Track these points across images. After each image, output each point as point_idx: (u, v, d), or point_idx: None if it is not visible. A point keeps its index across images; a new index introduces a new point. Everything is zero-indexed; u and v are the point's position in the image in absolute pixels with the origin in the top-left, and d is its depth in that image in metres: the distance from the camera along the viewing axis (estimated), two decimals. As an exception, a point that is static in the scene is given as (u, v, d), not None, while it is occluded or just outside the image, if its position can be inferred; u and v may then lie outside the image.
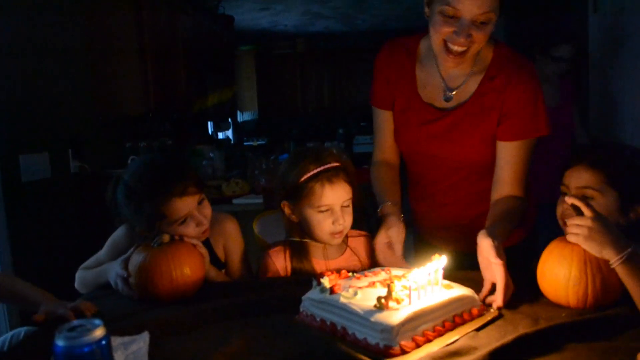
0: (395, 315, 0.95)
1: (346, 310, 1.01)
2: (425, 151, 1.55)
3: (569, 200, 1.17)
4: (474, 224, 1.35)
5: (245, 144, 6.98)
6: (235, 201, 3.12)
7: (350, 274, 1.18)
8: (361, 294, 1.04)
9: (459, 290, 1.08)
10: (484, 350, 0.92)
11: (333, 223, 1.42)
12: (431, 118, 1.50)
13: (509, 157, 1.43)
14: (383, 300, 0.97)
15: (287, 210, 1.48)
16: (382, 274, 1.17)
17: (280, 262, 1.49)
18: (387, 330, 0.93)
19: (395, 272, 1.17)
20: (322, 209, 1.41)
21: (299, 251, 1.49)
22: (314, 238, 1.47)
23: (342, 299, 1.03)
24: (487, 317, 1.08)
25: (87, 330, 0.78)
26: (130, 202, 1.38)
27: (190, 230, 1.42)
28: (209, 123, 5.84)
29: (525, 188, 1.46)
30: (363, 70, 6.85)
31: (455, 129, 1.48)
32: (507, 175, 1.43)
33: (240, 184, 3.24)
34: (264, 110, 7.33)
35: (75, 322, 0.81)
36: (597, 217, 1.11)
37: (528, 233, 1.61)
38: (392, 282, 1.01)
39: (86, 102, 3.19)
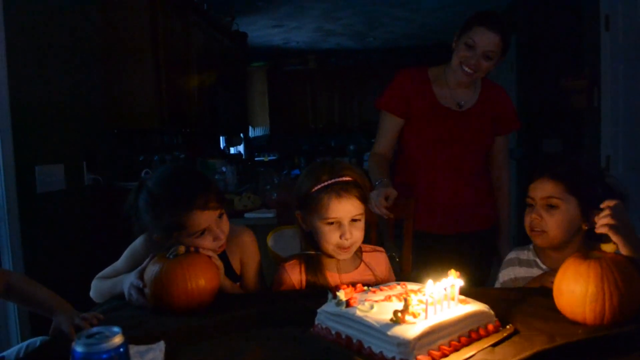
0: (412, 329, 0.95)
1: (362, 323, 1.00)
2: (445, 137, 2.02)
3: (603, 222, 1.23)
4: (461, 207, 2.03)
5: (256, 159, 7.02)
6: (247, 215, 3.13)
7: (365, 287, 1.18)
8: (377, 307, 1.04)
9: (475, 306, 1.08)
10: (501, 366, 0.91)
11: (340, 237, 1.42)
12: (451, 115, 2.05)
13: (502, 146, 2.15)
14: (400, 314, 0.97)
15: (299, 220, 1.50)
16: (397, 288, 1.17)
17: (295, 276, 1.50)
18: (404, 344, 0.93)
19: (411, 286, 1.17)
20: (330, 221, 1.42)
21: (314, 264, 1.50)
22: (322, 250, 1.48)
23: (358, 312, 1.03)
24: (503, 333, 1.07)
25: (105, 337, 0.78)
26: (151, 209, 1.39)
27: (207, 243, 1.43)
28: (220, 138, 5.89)
29: None
30: (374, 87, 6.90)
31: (468, 120, 2.04)
32: (501, 159, 2.16)
33: (252, 199, 3.25)
34: (275, 126, 7.38)
35: (95, 329, 0.82)
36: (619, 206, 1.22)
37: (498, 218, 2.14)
38: (408, 296, 1.01)
39: (100, 114, 3.24)
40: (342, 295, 1.09)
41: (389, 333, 0.95)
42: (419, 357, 0.93)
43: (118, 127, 3.33)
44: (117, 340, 0.79)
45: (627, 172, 3.06)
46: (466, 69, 1.93)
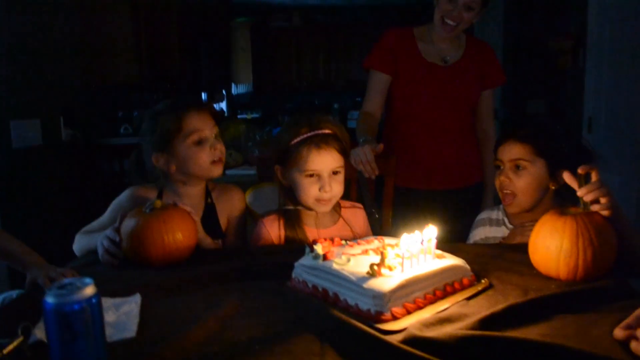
0: (387, 282, 0.95)
1: (338, 276, 1.01)
2: (431, 92, 2.04)
3: (566, 177, 1.20)
4: (445, 163, 2.07)
5: (239, 116, 6.93)
6: (228, 172, 3.11)
7: (343, 241, 1.18)
8: (354, 261, 1.04)
9: (451, 260, 1.09)
10: (474, 318, 0.92)
11: (320, 189, 1.43)
12: (436, 70, 2.06)
13: (487, 100, 2.15)
14: (375, 267, 0.97)
15: (278, 174, 1.49)
16: (375, 242, 1.17)
17: (274, 231, 1.49)
18: (379, 296, 0.93)
19: (389, 240, 1.17)
20: (309, 173, 1.42)
21: (292, 219, 1.50)
22: (302, 204, 1.48)
23: (335, 266, 1.03)
24: (478, 287, 1.08)
25: (77, 288, 0.77)
26: (151, 121, 1.50)
27: (205, 155, 1.47)
28: (203, 95, 5.78)
29: None
30: (359, 45, 6.79)
31: (453, 75, 2.06)
32: (486, 114, 2.17)
33: (234, 155, 3.23)
34: (258, 84, 7.26)
35: (66, 280, 0.80)
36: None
37: (481, 178, 2.16)
38: (385, 250, 1.01)
39: (79, 68, 3.15)
40: (319, 248, 1.08)
41: (365, 286, 0.95)
42: (393, 309, 0.94)
43: (97, 82, 3.25)
44: (89, 291, 0.78)
45: (608, 134, 3.08)
46: (448, 21, 1.95)
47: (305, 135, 1.42)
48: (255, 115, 6.93)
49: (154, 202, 1.33)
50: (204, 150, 1.48)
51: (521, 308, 0.98)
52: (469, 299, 1.04)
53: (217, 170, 1.52)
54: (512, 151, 1.49)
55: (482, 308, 0.99)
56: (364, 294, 0.95)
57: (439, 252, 1.10)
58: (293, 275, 1.13)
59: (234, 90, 7.32)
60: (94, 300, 0.78)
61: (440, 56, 2.07)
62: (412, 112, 2.08)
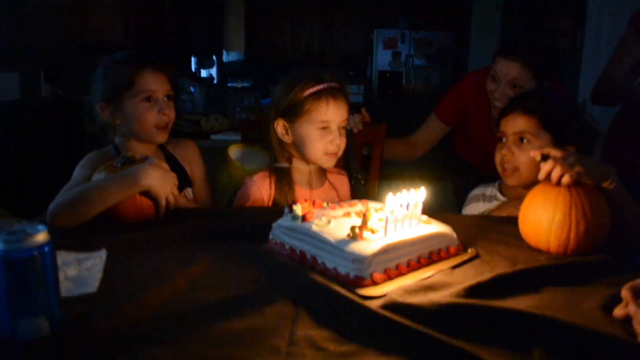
0: (368, 246, 0.89)
1: (317, 238, 0.94)
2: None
3: (534, 154, 1.19)
4: None
5: (229, 84, 6.79)
6: (213, 137, 3.03)
7: (325, 203, 1.11)
8: (335, 223, 0.98)
9: (437, 227, 1.03)
10: (459, 287, 0.87)
11: (330, 142, 1.40)
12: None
13: None
14: (357, 230, 0.91)
15: (280, 129, 1.43)
16: (358, 206, 1.11)
17: (265, 189, 1.44)
18: (359, 260, 0.87)
19: (373, 204, 1.11)
20: (323, 125, 1.39)
21: (284, 178, 1.45)
22: (306, 159, 1.44)
23: (314, 227, 0.96)
24: (464, 257, 1.03)
25: (27, 234, 0.70)
26: (105, 69, 1.45)
27: (150, 117, 1.42)
28: (192, 59, 5.64)
29: None
30: (356, 18, 6.66)
31: None
32: None
33: (220, 120, 3.14)
34: (250, 52, 7.11)
35: (18, 226, 0.73)
36: (567, 151, 1.15)
37: None
38: (368, 212, 0.95)
39: (61, 22, 3.01)
40: (298, 209, 1.02)
41: (345, 248, 0.89)
42: (374, 274, 0.88)
43: (80, 38, 3.11)
44: (41, 238, 0.71)
45: (602, 117, 3.02)
46: (496, 103, 1.74)
47: (322, 86, 1.38)
48: (245, 84, 6.79)
49: (126, 155, 1.25)
50: (151, 112, 1.43)
51: (509, 278, 0.93)
52: (454, 267, 0.99)
53: (160, 136, 1.47)
54: (517, 123, 1.40)
55: (467, 277, 0.93)
56: (344, 257, 0.89)
57: (425, 217, 1.04)
58: (270, 236, 1.06)
59: (225, 57, 7.18)
60: (46, 249, 0.71)
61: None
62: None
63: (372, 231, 0.92)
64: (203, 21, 4.64)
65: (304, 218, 1.00)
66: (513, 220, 1.21)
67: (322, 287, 0.86)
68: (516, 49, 1.71)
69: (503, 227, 1.23)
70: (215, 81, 6.50)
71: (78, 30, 3.08)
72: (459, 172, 2.27)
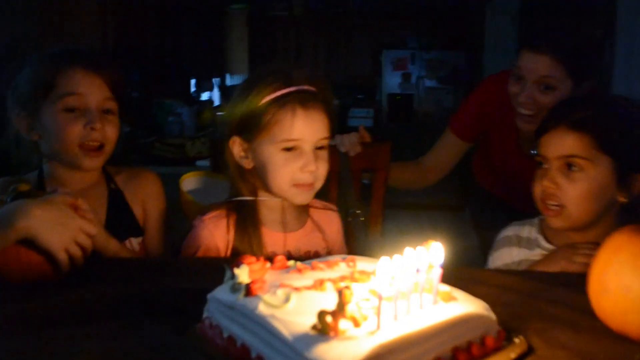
0: (349, 350, 0.51)
1: (265, 328, 0.56)
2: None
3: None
4: None
5: (230, 108, 6.51)
6: (199, 163, 2.69)
7: (290, 262, 0.72)
8: (296, 300, 0.59)
9: (465, 305, 0.64)
10: None
11: (301, 169, 1.01)
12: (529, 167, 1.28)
13: None
14: (329, 319, 0.53)
15: (237, 150, 1.06)
16: (340, 267, 0.71)
17: (220, 233, 1.06)
18: (331, 377, 0.49)
19: (363, 265, 0.72)
20: (289, 145, 1.01)
21: (247, 216, 1.06)
22: (270, 191, 1.06)
23: (262, 308, 0.58)
24: (510, 354, 0.63)
25: None
26: (28, 68, 1.11)
27: (73, 131, 1.06)
28: (191, 82, 5.36)
29: None
30: (362, 39, 6.41)
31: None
32: None
33: (208, 144, 2.79)
34: (254, 75, 6.85)
35: None
36: None
37: None
38: (350, 284, 0.56)
39: (33, 28, 2.69)
40: (242, 273, 0.64)
41: (307, 355, 0.51)
42: (358, 402, 0.49)
43: (52, 45, 2.79)
44: None
45: None
46: (521, 110, 1.36)
47: (284, 91, 1.00)
48: (248, 108, 6.49)
49: (17, 186, 0.88)
50: (74, 125, 1.06)
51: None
52: (495, 376, 0.60)
53: (88, 161, 1.09)
54: (564, 144, 1.03)
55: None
56: (305, 369, 0.51)
57: (446, 288, 0.65)
58: (204, 313, 0.68)
59: (229, 81, 6.92)
60: None
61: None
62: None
63: (355, 321, 0.54)
64: (202, 42, 4.37)
65: (248, 290, 0.61)
66: (574, 282, 0.82)
67: None
68: (546, 38, 1.34)
69: (561, 293, 0.83)
70: (216, 104, 6.23)
71: (51, 34, 2.75)
72: (479, 202, 1.88)
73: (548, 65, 1.30)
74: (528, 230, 1.19)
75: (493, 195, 1.75)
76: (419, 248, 0.60)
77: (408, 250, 0.59)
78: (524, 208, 1.31)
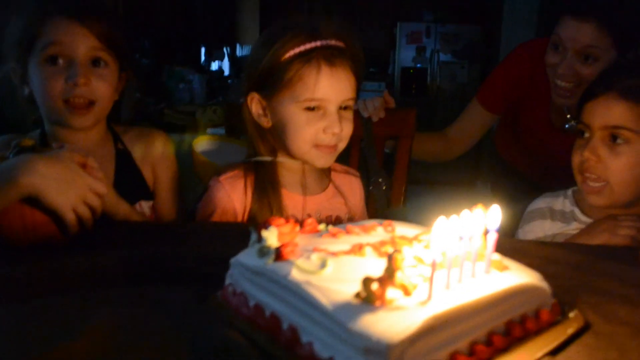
0: (398, 321, 0.45)
1: (300, 297, 0.50)
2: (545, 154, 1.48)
3: None
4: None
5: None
6: (210, 131, 2.62)
7: (321, 226, 0.66)
8: (334, 265, 0.53)
9: (519, 275, 0.57)
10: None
11: (324, 130, 0.95)
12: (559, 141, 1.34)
13: None
14: (376, 287, 0.46)
15: (255, 108, 0.99)
16: (378, 231, 0.65)
17: (238, 195, 0.99)
18: (379, 351, 0.43)
19: (403, 230, 0.65)
20: (312, 104, 0.94)
21: (266, 178, 1.00)
22: (290, 152, 0.99)
23: (296, 274, 0.52)
24: (567, 329, 0.57)
25: None
26: (18, 18, 1.02)
27: (55, 85, 0.98)
28: (202, 50, 5.26)
29: None
30: (377, 11, 6.23)
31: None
32: None
33: (219, 112, 2.72)
34: (265, 46, 6.74)
35: None
36: None
37: None
38: (397, 250, 0.50)
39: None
40: (271, 234, 0.58)
41: (351, 325, 0.45)
42: (408, 379, 0.44)
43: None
44: None
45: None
46: (559, 81, 1.29)
47: (308, 46, 0.93)
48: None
49: (20, 141, 0.81)
50: (56, 80, 0.98)
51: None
52: (553, 354, 0.53)
53: (74, 119, 1.01)
54: (610, 113, 0.95)
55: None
56: (349, 342, 0.45)
57: (498, 257, 0.59)
58: (227, 280, 0.62)
59: (239, 51, 6.81)
60: None
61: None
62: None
63: (405, 289, 0.47)
64: (213, 11, 4.26)
65: (279, 254, 0.55)
66: (620, 255, 0.75)
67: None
68: (592, 4, 1.24)
69: (610, 266, 0.77)
70: (226, 74, 6.15)
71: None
72: (500, 176, 1.81)
73: (593, 33, 1.21)
74: (562, 203, 1.12)
75: (515, 169, 1.68)
76: (476, 210, 0.53)
77: (465, 212, 0.52)
78: (551, 183, 1.25)
